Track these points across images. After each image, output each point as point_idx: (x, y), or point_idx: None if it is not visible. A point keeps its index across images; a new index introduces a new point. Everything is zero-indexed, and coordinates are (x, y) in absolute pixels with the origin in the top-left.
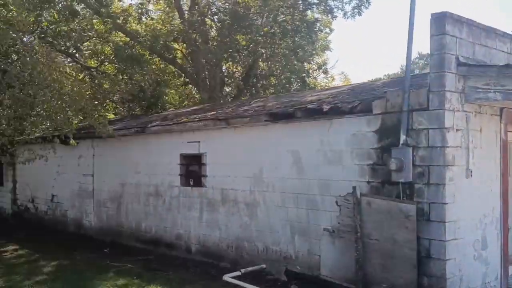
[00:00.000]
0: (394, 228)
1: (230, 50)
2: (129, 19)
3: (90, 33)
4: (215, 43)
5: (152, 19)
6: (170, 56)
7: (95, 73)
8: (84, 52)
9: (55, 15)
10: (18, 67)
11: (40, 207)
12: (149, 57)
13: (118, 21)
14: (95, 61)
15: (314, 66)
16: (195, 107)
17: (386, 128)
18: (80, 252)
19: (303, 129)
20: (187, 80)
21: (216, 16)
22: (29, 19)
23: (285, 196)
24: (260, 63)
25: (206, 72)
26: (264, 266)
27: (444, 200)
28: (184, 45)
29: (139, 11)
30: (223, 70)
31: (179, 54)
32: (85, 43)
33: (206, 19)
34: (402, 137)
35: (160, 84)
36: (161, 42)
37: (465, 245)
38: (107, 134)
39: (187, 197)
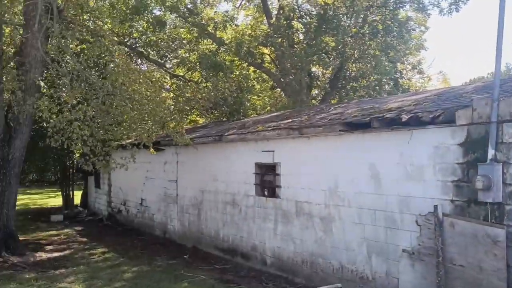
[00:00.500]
0: (480, 254)
1: (318, 53)
2: (216, 26)
3: (177, 42)
4: (301, 46)
5: (236, 25)
6: (257, 61)
7: (181, 81)
8: (172, 60)
9: (145, 25)
10: (102, 79)
11: (131, 210)
12: (235, 63)
13: (207, 28)
14: (182, 69)
15: (408, 66)
16: (274, 114)
17: (473, 140)
18: (162, 257)
19: (381, 140)
20: (275, 84)
21: (303, 19)
22: (122, 30)
23: (362, 212)
24: (350, 64)
25: (291, 76)
26: (339, 285)
27: None
28: (272, 49)
29: (224, 18)
30: (311, 73)
31: (267, 58)
32: (173, 52)
33: (293, 22)
34: (491, 152)
35: (242, 90)
36: (244, 48)
37: None
38: (184, 143)
39: (262, 207)
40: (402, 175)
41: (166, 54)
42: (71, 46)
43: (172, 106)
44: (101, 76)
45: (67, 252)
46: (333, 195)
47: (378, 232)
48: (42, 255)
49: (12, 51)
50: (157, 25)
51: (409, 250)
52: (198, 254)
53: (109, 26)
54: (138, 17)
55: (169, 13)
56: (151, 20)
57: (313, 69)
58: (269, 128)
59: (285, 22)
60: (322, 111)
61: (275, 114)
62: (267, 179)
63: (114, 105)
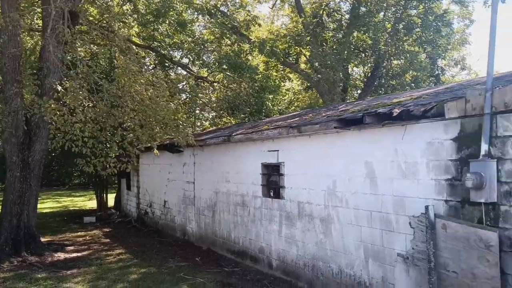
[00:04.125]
0: (473, 259)
1: (350, 50)
2: (240, 26)
3: (200, 43)
4: (330, 44)
5: (259, 25)
6: (283, 60)
7: (204, 83)
8: (195, 62)
9: (167, 27)
10: (110, 81)
11: (155, 212)
12: (270, 64)
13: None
14: (206, 71)
15: (450, 62)
16: (292, 114)
17: (466, 135)
18: (175, 259)
19: (376, 136)
20: (309, 84)
21: (333, 16)
22: (146, 33)
23: (358, 213)
24: (386, 62)
25: (319, 75)
26: None
27: None
28: (308, 47)
29: (247, 18)
30: (347, 72)
31: (302, 58)
32: (197, 54)
33: (323, 19)
34: (484, 147)
35: (264, 90)
36: (267, 47)
37: None
38: (186, 143)
39: (268, 208)
40: (397, 174)
41: (189, 56)
42: (82, 49)
43: (178, 107)
44: (109, 78)
45: (85, 252)
46: (331, 195)
47: (374, 234)
48: (60, 256)
49: (30, 56)
50: (180, 27)
51: (404, 254)
52: (211, 257)
53: (136, 29)
54: (160, 19)
55: (196, 13)
56: (173, 21)
57: (350, 67)
58: (271, 127)
59: (314, 20)
60: (331, 109)
61: (293, 114)
62: (273, 180)
63: (117, 107)
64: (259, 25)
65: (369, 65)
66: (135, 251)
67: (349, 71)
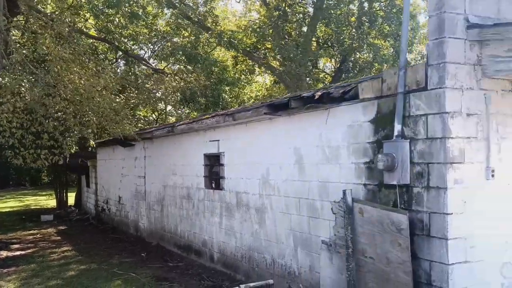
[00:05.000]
0: (387, 244)
1: (321, 44)
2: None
3: (154, 35)
4: (295, 37)
5: (216, 16)
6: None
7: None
8: (151, 53)
9: (120, 18)
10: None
11: (111, 208)
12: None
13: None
14: (162, 63)
15: (417, 56)
16: (249, 104)
17: (383, 116)
18: (122, 255)
19: (303, 122)
20: (276, 78)
21: (295, 9)
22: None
23: (289, 201)
24: (352, 55)
25: (280, 69)
26: (271, 282)
27: (445, 209)
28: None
29: (205, 9)
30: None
31: (271, 52)
32: (153, 45)
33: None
34: (397, 127)
35: (221, 82)
36: (225, 39)
37: (485, 270)
38: (121, 135)
39: (210, 200)
40: (321, 159)
41: (144, 48)
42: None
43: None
44: (45, 67)
45: (30, 251)
46: (265, 184)
47: (302, 222)
48: (2, 254)
49: None
50: (133, 17)
51: (327, 241)
52: (158, 252)
53: (91, 21)
54: (114, 10)
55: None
56: (125, 12)
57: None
58: (209, 116)
59: (276, 13)
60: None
61: (248, 104)
62: (215, 171)
63: (50, 96)
64: (216, 16)
65: (336, 58)
66: (83, 248)
67: (318, 65)
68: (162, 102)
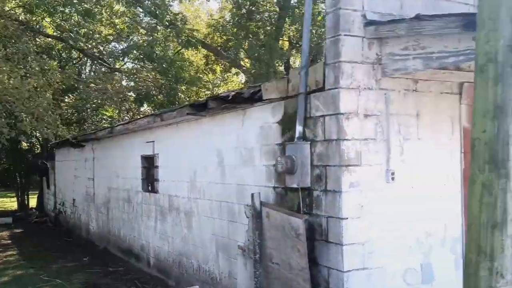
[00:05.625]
0: (289, 249)
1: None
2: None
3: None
4: (261, 37)
5: (175, 14)
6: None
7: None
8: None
9: (76, 16)
10: None
11: (67, 211)
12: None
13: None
14: (118, 61)
15: None
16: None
17: (289, 117)
18: (67, 259)
19: (225, 123)
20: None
21: (260, 8)
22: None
23: (212, 205)
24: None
25: (250, 68)
26: (196, 287)
27: (340, 214)
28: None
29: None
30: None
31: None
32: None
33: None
34: (298, 129)
35: (178, 81)
36: (183, 37)
37: (386, 276)
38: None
39: (147, 204)
40: (239, 161)
41: (100, 46)
42: None
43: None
44: None
45: None
46: (193, 187)
47: (223, 226)
48: None
49: None
50: (86, 15)
51: (242, 246)
52: (103, 256)
53: (48, 19)
54: (64, 9)
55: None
56: (79, 11)
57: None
58: (143, 116)
59: (239, 12)
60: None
61: None
62: (151, 173)
63: None
64: (175, 14)
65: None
66: (29, 252)
67: (294, 65)
68: (113, 101)
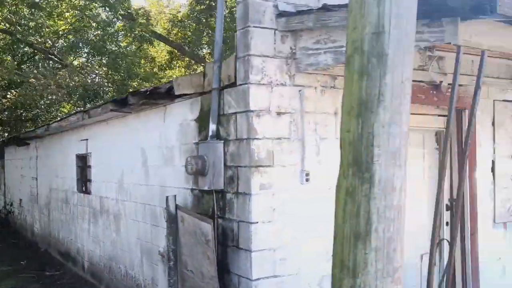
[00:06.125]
0: (200, 256)
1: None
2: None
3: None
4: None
5: (129, 8)
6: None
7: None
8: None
9: (23, 9)
10: None
11: (15, 211)
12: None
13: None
14: (68, 56)
15: None
16: None
17: (205, 114)
18: (3, 263)
19: (149, 120)
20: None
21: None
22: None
23: (137, 207)
24: None
25: (203, 64)
26: None
27: (250, 218)
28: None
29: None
30: None
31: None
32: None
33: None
34: (211, 127)
35: (130, 77)
36: (136, 31)
37: (300, 284)
38: None
39: (82, 205)
40: (161, 161)
41: (49, 40)
42: None
43: None
44: None
45: None
46: (121, 188)
47: (147, 230)
48: None
49: None
50: (32, 7)
51: (162, 252)
52: (43, 259)
53: None
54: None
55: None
56: (27, 3)
57: None
58: (72, 113)
59: (198, 7)
60: None
61: None
62: (85, 173)
63: None
64: (128, 8)
65: None
66: None
67: None
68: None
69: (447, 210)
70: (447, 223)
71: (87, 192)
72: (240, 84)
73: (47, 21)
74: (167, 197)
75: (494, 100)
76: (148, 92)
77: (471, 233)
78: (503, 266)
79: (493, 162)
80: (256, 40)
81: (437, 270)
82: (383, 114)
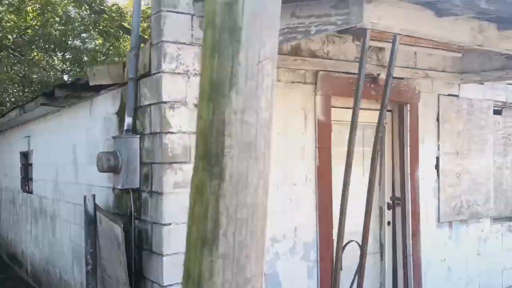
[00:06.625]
0: (115, 260)
1: None
2: None
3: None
4: None
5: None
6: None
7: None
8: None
9: None
10: None
11: None
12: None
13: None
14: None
15: None
16: None
17: (124, 106)
18: None
19: (77, 115)
20: None
21: None
22: None
23: (69, 208)
24: None
25: None
26: None
27: (162, 219)
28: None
29: None
30: None
31: None
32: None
33: None
34: (127, 120)
35: (83, 67)
36: (100, 27)
37: None
38: None
39: (25, 205)
40: (88, 158)
41: (9, 36)
42: None
43: None
44: None
45: None
46: (56, 187)
47: (77, 232)
48: None
49: None
50: None
51: None
52: None
53: None
54: None
55: None
56: None
57: None
58: (14, 107)
59: None
60: None
61: None
62: (27, 171)
63: None
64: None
65: None
66: None
67: None
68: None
69: (388, 209)
70: (388, 223)
71: (29, 191)
72: (154, 73)
73: (5, 15)
74: (84, 197)
75: (439, 95)
76: (70, 84)
77: (412, 234)
78: (448, 268)
79: (437, 159)
80: (169, 26)
81: (378, 274)
82: (235, 98)
